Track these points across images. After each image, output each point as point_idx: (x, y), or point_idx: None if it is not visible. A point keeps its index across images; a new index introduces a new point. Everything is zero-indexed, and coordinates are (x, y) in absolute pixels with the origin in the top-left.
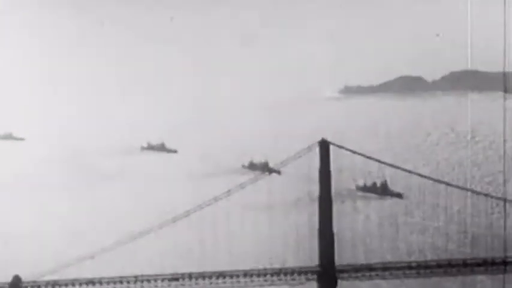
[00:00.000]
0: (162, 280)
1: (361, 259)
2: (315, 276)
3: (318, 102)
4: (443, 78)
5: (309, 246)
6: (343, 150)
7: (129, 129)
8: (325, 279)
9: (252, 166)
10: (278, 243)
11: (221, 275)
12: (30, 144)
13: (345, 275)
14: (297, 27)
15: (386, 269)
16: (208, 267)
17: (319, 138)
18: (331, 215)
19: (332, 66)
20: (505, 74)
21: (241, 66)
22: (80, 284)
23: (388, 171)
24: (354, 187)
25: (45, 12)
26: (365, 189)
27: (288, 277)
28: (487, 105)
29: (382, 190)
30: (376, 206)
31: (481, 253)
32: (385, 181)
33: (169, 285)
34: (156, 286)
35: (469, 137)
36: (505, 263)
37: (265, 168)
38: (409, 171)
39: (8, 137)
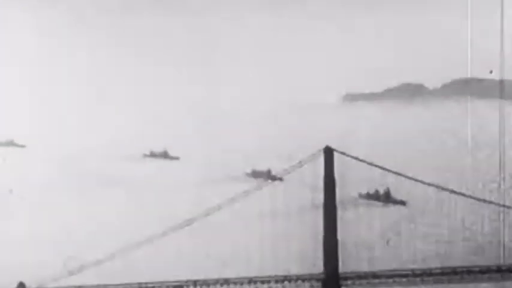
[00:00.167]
0: (167, 287)
1: (364, 267)
2: (320, 284)
3: (321, 109)
4: (444, 85)
5: (313, 254)
6: (345, 158)
7: (132, 137)
8: (330, 287)
9: (255, 174)
10: (282, 251)
11: (226, 282)
12: (31, 151)
13: (349, 282)
14: (299, 34)
15: (390, 277)
16: (213, 274)
17: (322, 146)
18: (335, 222)
19: (334, 73)
20: (501, 81)
21: (244, 74)
22: None
23: (391, 179)
24: (356, 195)
25: (45, 20)
26: (368, 196)
27: (293, 284)
28: (487, 112)
29: (385, 198)
30: (380, 214)
31: (485, 261)
32: (388, 189)
33: None
34: None
35: (469, 144)
36: (510, 270)
37: (267, 176)
38: (414, 179)
39: (10, 144)
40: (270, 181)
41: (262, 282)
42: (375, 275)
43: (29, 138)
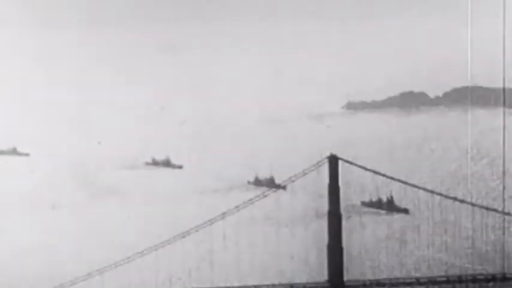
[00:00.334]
0: None
1: (369, 275)
2: None
3: (322, 117)
4: (445, 94)
5: (317, 262)
6: (347, 166)
7: (133, 145)
8: None
9: (258, 182)
10: (286, 259)
11: None
12: (34, 159)
13: None
14: (299, 42)
15: (395, 285)
16: (218, 283)
17: (324, 154)
18: (340, 230)
19: (334, 81)
20: (503, 90)
21: (245, 82)
22: None
23: (393, 187)
24: (359, 203)
25: (47, 29)
26: (371, 204)
27: None
28: (489, 121)
29: (388, 206)
30: (383, 222)
31: (491, 269)
32: (391, 196)
33: None
34: None
35: (469, 152)
36: None
37: (271, 184)
38: (417, 187)
39: (12, 152)
40: (274, 189)
41: None
42: (379, 283)
43: (32, 146)
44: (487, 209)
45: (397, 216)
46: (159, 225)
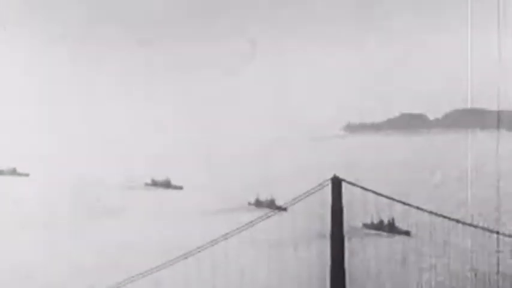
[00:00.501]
0: None
1: None
2: None
3: (322, 139)
4: (445, 116)
5: (318, 283)
6: (345, 187)
7: (133, 166)
8: None
9: (258, 203)
10: (288, 280)
11: None
12: (34, 179)
13: None
14: (298, 65)
15: None
16: None
17: (325, 176)
18: (343, 252)
19: (335, 104)
20: (498, 113)
21: (245, 104)
22: None
23: (395, 209)
24: (360, 225)
25: (45, 49)
26: (372, 226)
27: None
28: (488, 143)
29: (390, 228)
30: (384, 245)
31: None
32: (392, 219)
33: None
34: None
35: (469, 175)
36: None
37: (271, 206)
38: (420, 209)
39: (12, 172)
40: (276, 211)
41: None
42: None
43: (32, 167)
44: (491, 231)
45: (398, 239)
46: (159, 246)
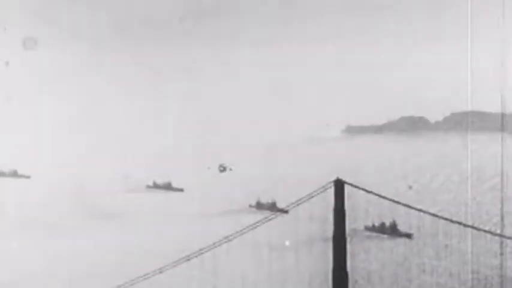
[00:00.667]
0: None
1: None
2: None
3: (322, 142)
4: (445, 118)
5: (320, 286)
6: (348, 190)
7: (134, 168)
8: None
9: (259, 206)
10: (291, 284)
11: None
12: (35, 182)
13: None
14: (297, 66)
15: None
16: None
17: (326, 178)
18: (345, 255)
19: (333, 105)
20: (502, 115)
21: (244, 106)
22: None
23: (396, 211)
24: (362, 227)
25: (49, 50)
26: (373, 229)
27: None
28: (490, 145)
29: (391, 230)
30: (387, 247)
31: None
32: (394, 221)
33: None
34: None
35: (471, 177)
36: None
37: (273, 208)
38: (422, 211)
39: (13, 174)
40: (278, 213)
41: None
42: None
43: (33, 169)
44: (493, 234)
45: (400, 241)
46: (160, 248)
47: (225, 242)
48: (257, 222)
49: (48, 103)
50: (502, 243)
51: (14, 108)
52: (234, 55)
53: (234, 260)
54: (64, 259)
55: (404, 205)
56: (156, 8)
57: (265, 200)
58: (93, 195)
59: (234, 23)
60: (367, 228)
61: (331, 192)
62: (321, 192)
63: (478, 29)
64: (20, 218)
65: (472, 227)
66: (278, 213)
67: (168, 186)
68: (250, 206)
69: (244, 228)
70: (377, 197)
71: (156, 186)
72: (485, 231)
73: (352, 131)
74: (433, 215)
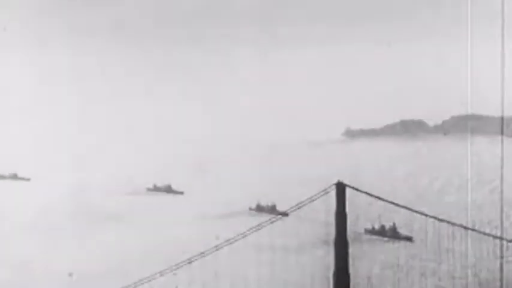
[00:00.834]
0: None
1: None
2: None
3: (321, 145)
4: (444, 122)
5: None
6: (348, 193)
7: (135, 171)
8: None
9: (260, 208)
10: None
11: None
12: (35, 184)
13: None
14: (298, 71)
15: None
16: None
17: (327, 181)
18: (347, 257)
19: (333, 109)
20: (502, 118)
21: (246, 110)
22: None
23: (396, 214)
24: (362, 230)
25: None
26: (374, 232)
27: None
28: (489, 148)
29: (392, 233)
30: (386, 250)
31: None
32: (394, 224)
33: None
34: None
35: (471, 180)
36: None
37: (272, 211)
38: (422, 214)
39: (13, 177)
40: (279, 216)
41: None
42: None
43: (33, 171)
44: (494, 237)
45: (400, 244)
46: (160, 250)
47: (226, 244)
48: (257, 226)
49: (48, 105)
50: (502, 245)
51: (13, 111)
52: (234, 55)
53: (234, 262)
54: (63, 261)
55: (404, 208)
56: (156, 8)
57: (264, 203)
58: (93, 198)
59: (234, 23)
60: (367, 231)
61: (332, 194)
62: (322, 195)
63: (477, 30)
64: (20, 221)
65: (472, 229)
66: (279, 216)
67: (168, 189)
68: (250, 208)
69: (245, 231)
70: (377, 199)
71: (156, 189)
72: (485, 233)
73: (352, 134)
74: (433, 217)
